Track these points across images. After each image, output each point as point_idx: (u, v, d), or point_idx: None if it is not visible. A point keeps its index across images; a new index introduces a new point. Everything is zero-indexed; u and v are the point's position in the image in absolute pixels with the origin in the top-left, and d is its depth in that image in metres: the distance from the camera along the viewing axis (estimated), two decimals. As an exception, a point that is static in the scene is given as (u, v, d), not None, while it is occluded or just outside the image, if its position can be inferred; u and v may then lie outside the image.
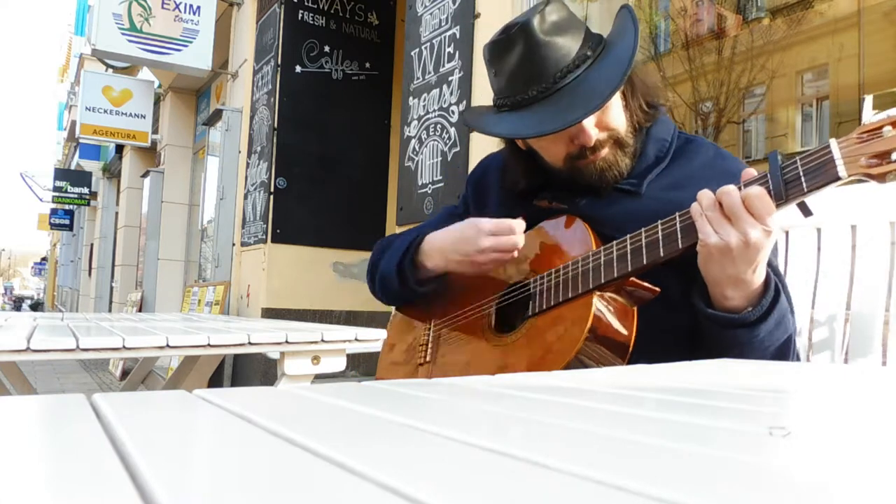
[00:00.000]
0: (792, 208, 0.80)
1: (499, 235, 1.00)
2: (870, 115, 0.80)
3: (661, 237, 0.87)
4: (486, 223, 1.01)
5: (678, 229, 0.86)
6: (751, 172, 0.83)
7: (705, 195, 0.83)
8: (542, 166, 1.08)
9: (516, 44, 0.97)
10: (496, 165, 1.22)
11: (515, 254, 1.01)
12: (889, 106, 0.80)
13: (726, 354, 0.87)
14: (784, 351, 0.90)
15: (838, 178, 0.76)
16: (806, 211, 0.81)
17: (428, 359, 1.13)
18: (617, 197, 1.02)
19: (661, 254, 0.86)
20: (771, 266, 0.89)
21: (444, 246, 1.07)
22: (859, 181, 0.78)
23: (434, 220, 1.30)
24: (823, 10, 2.34)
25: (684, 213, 0.86)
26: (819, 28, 2.36)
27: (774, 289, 0.86)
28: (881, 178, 0.74)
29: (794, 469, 0.25)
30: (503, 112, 1.02)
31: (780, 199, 0.78)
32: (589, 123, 0.97)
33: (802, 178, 0.78)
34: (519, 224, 1.00)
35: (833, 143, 0.77)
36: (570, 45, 0.97)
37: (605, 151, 0.99)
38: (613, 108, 1.00)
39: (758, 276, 0.84)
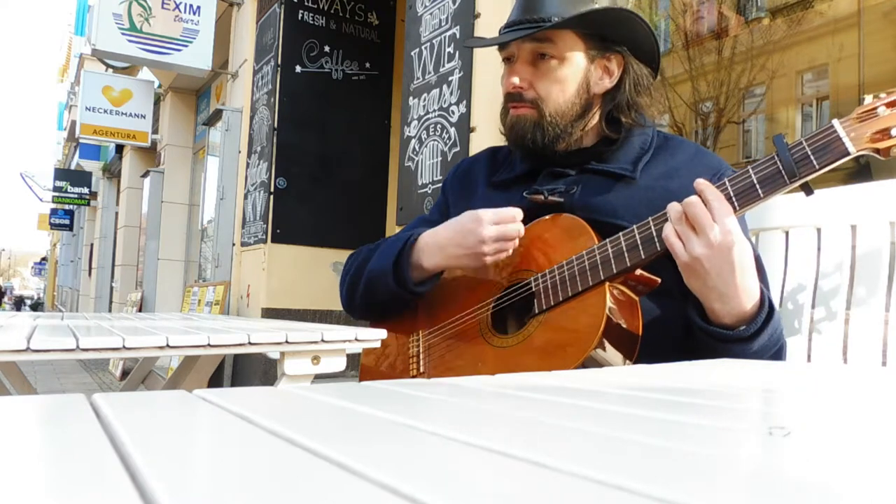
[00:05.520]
0: (797, 192, 0.86)
1: (501, 224, 1.00)
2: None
3: None
4: (488, 212, 1.01)
5: None
6: (701, 182, 0.86)
7: (673, 208, 0.86)
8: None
9: None
10: (484, 159, 1.23)
11: (517, 243, 1.01)
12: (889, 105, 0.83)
13: None
14: (777, 358, 0.92)
15: (847, 154, 0.81)
16: (808, 190, 0.85)
17: (422, 370, 1.10)
18: (612, 185, 1.03)
19: None
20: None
21: (443, 241, 1.05)
22: (856, 160, 0.83)
23: (408, 229, 1.29)
24: (823, 10, 2.34)
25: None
26: (819, 28, 2.35)
27: (769, 305, 0.88)
28: (886, 152, 0.81)
29: (795, 469, 0.25)
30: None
31: (793, 176, 0.83)
32: (517, 71, 1.07)
33: (812, 157, 0.82)
34: (518, 212, 1.01)
35: (835, 122, 0.82)
36: (566, 4, 1.03)
37: (523, 109, 1.06)
38: (555, 82, 1.05)
39: (745, 292, 0.85)
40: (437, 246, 1.06)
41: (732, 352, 0.87)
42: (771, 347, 0.90)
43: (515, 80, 1.06)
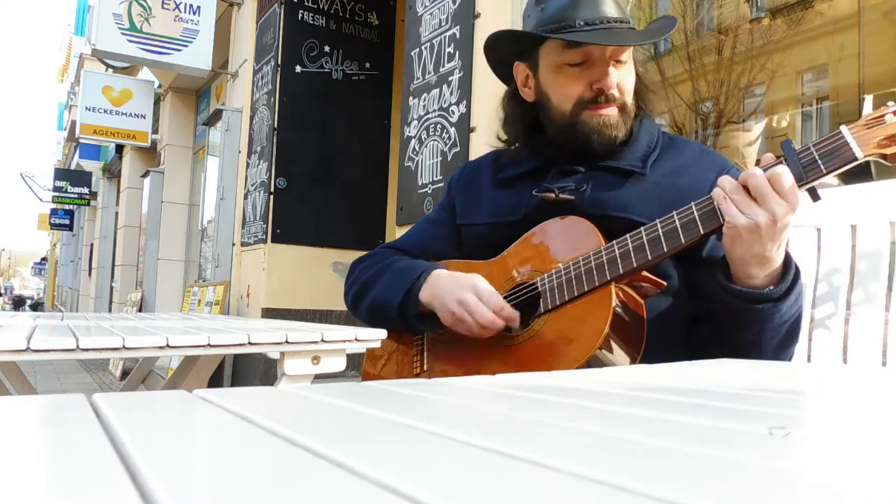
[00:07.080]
0: (802, 194, 0.85)
1: (483, 301, 0.99)
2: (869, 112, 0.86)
3: (679, 225, 0.89)
4: (485, 290, 1.00)
5: (696, 217, 0.88)
6: (770, 157, 0.87)
7: (727, 180, 0.86)
8: (541, 122, 1.11)
9: None
10: (488, 161, 1.22)
11: (479, 326, 0.99)
12: (889, 106, 0.84)
13: (744, 332, 0.90)
14: (796, 327, 0.93)
15: (855, 159, 0.82)
16: (815, 196, 0.85)
17: (425, 367, 1.11)
18: (622, 181, 1.04)
19: (683, 241, 0.88)
20: None
21: (442, 287, 1.05)
22: (860, 167, 0.84)
23: (414, 230, 1.29)
24: (823, 10, 2.34)
25: (701, 201, 0.88)
26: (819, 28, 2.35)
27: (795, 265, 0.89)
28: (893, 158, 0.82)
29: (795, 469, 0.25)
30: (549, 36, 1.03)
31: (801, 181, 0.83)
32: (610, 73, 1.03)
33: (819, 162, 0.83)
34: (512, 316, 0.99)
35: (843, 128, 0.83)
36: (619, 6, 1.05)
37: (612, 109, 1.04)
38: (629, 77, 1.07)
39: (780, 254, 0.87)
40: (436, 288, 1.06)
41: (765, 313, 0.87)
42: (795, 312, 0.91)
43: (615, 81, 1.03)
